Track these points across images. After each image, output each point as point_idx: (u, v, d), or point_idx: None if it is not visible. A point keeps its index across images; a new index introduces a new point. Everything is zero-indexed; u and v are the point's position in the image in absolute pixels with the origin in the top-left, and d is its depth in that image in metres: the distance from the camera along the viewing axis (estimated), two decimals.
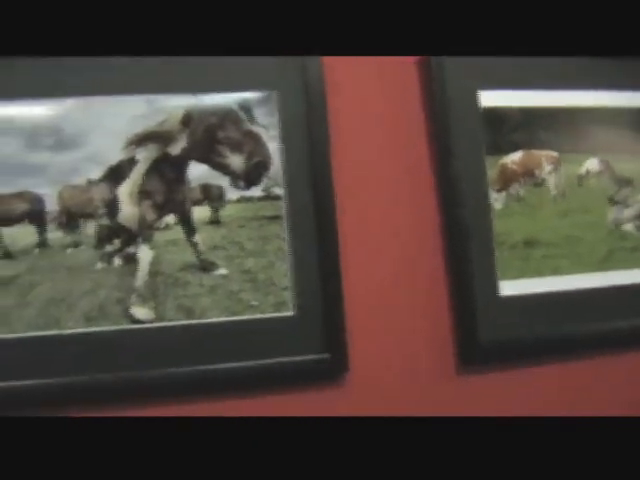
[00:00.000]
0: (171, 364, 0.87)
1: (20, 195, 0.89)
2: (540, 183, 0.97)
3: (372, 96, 0.96)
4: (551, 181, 0.97)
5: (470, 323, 0.92)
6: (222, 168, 0.91)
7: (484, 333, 0.92)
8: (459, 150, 0.93)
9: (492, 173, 0.95)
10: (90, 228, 0.89)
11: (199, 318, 0.88)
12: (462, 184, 0.93)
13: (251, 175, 0.91)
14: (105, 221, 0.90)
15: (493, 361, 0.93)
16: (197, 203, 0.91)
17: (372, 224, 0.94)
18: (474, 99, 0.95)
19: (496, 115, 0.96)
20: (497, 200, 0.95)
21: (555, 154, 0.98)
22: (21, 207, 0.89)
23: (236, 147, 0.91)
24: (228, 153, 0.91)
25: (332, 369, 0.90)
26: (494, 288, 0.94)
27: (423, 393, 0.91)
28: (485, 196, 0.94)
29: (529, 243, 0.95)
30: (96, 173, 0.89)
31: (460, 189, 0.93)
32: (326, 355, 0.89)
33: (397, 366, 0.92)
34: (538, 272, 0.95)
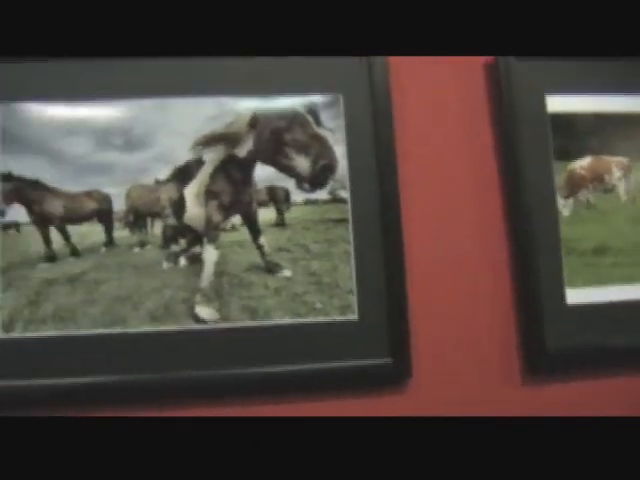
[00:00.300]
0: (234, 365, 0.86)
1: (89, 194, 0.90)
2: (610, 189, 0.96)
3: (438, 98, 0.96)
4: (621, 187, 0.95)
5: (536, 331, 0.90)
6: (288, 170, 0.91)
7: (551, 342, 0.90)
8: (526, 155, 0.92)
9: (560, 179, 0.94)
10: (157, 228, 0.90)
11: (263, 319, 0.88)
12: (529, 190, 0.91)
13: (317, 178, 0.91)
14: (171, 221, 0.90)
15: (559, 370, 0.91)
16: (263, 205, 0.91)
17: (437, 229, 0.93)
18: (542, 103, 0.94)
19: (564, 120, 0.95)
20: (565, 206, 0.93)
21: (625, 160, 0.96)
22: (90, 206, 0.90)
23: (302, 150, 0.91)
24: (294, 155, 0.91)
25: (395, 374, 0.89)
26: (561, 296, 0.92)
27: (488, 402, 0.89)
28: (552, 202, 0.93)
29: (598, 250, 0.93)
30: (164, 173, 0.90)
31: (527, 195, 0.91)
32: (389, 360, 0.88)
33: (461, 374, 0.91)
34: (607, 280, 0.93)
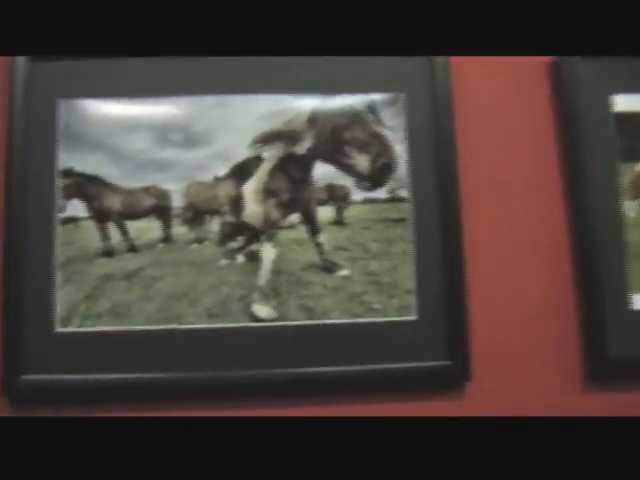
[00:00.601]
0: (290, 364, 0.85)
1: (147, 190, 0.90)
2: None
3: (500, 98, 0.94)
4: None
5: (599, 337, 0.87)
6: (347, 169, 0.90)
7: (613, 348, 0.87)
8: (590, 156, 0.90)
9: (625, 181, 0.92)
10: (215, 225, 0.90)
11: (320, 319, 0.87)
12: (593, 192, 0.89)
13: (377, 176, 0.90)
14: (230, 218, 0.90)
15: (622, 378, 0.88)
16: (322, 203, 0.90)
17: (498, 230, 0.91)
18: (607, 102, 0.92)
19: (630, 120, 0.92)
20: (631, 209, 0.91)
21: None
22: (148, 202, 0.90)
23: (362, 148, 0.90)
24: (354, 154, 0.90)
25: (453, 377, 0.87)
26: (625, 301, 0.89)
27: (547, 408, 0.86)
28: (618, 204, 0.90)
29: None
30: (222, 170, 0.90)
31: (591, 197, 0.89)
32: (447, 362, 0.86)
33: (521, 379, 0.88)
34: None
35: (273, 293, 0.87)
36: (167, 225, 0.90)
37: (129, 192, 0.89)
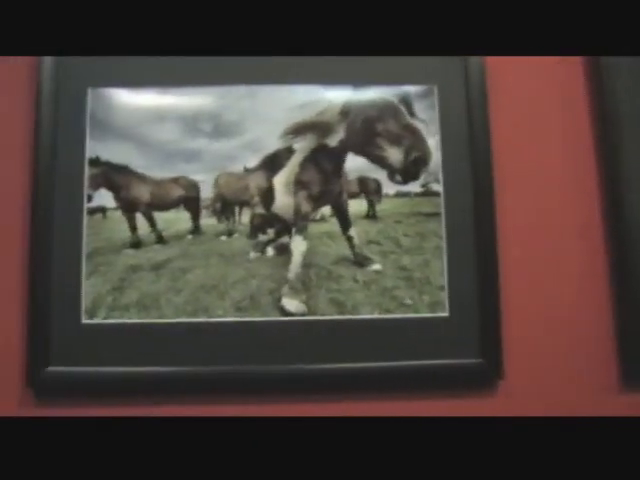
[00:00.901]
0: (320, 359, 0.84)
1: (176, 180, 0.88)
2: None
3: (536, 96, 0.92)
4: None
5: (636, 336, 0.86)
6: (380, 161, 0.88)
7: None
8: (628, 154, 0.88)
9: None
10: (245, 216, 0.88)
11: (351, 314, 0.85)
12: (630, 189, 0.87)
13: (409, 170, 0.88)
14: (260, 210, 0.89)
15: None
16: (353, 196, 0.89)
17: (533, 226, 0.90)
18: None
19: None
20: None
21: None
22: (176, 192, 0.89)
23: (395, 140, 0.89)
24: (386, 146, 0.88)
25: (485, 376, 0.85)
26: None
27: (582, 409, 0.84)
28: None
29: None
30: (253, 161, 0.88)
31: (628, 194, 0.87)
32: (480, 360, 0.85)
33: (555, 379, 0.87)
34: None
35: (303, 287, 0.86)
36: (196, 216, 0.88)
37: (157, 182, 0.88)
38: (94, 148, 0.87)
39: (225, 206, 0.88)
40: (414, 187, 0.88)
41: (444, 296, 0.86)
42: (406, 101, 0.89)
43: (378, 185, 0.88)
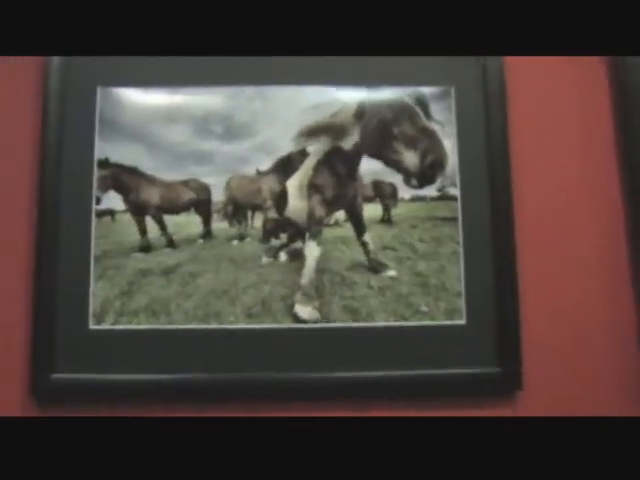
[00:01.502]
0: (333, 367, 0.82)
1: (186, 183, 0.86)
2: None
3: (555, 97, 0.90)
4: None
5: None
6: (395, 165, 0.86)
7: None
8: None
9: None
10: (257, 220, 0.86)
11: (365, 321, 0.83)
12: None
13: (426, 173, 0.86)
14: (272, 214, 0.87)
15: None
16: (368, 200, 0.86)
17: (552, 230, 0.88)
18: None
19: None
20: None
21: None
22: (187, 195, 0.87)
23: (411, 143, 0.86)
24: (402, 149, 0.86)
25: (503, 385, 0.83)
26: None
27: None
28: None
29: None
30: (265, 164, 0.86)
31: None
32: (497, 369, 0.83)
33: (576, 390, 0.85)
34: None
35: (316, 293, 0.84)
36: (207, 220, 0.86)
37: (168, 185, 0.86)
38: (103, 149, 0.85)
39: (237, 210, 0.86)
40: (430, 191, 0.86)
41: (461, 303, 0.84)
42: (422, 103, 0.87)
43: (393, 189, 0.86)
